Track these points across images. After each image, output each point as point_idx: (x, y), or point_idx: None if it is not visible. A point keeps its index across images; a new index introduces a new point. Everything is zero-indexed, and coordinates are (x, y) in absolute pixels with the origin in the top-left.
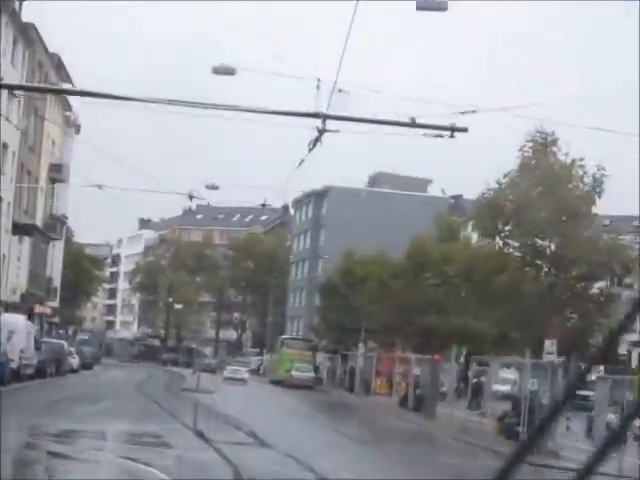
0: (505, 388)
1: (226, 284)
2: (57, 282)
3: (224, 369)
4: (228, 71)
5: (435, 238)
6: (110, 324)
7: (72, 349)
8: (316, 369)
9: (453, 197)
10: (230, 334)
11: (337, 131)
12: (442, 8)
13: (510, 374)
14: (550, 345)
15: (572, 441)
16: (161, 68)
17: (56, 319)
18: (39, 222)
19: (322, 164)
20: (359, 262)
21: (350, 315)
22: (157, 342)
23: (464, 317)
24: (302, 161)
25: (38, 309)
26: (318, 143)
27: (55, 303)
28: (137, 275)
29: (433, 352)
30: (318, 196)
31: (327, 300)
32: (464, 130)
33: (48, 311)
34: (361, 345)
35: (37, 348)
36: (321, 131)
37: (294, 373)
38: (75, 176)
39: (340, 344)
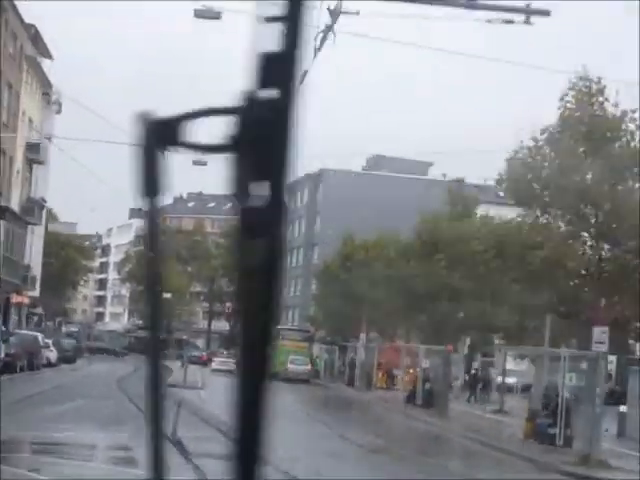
0: (512, 380)
1: (218, 273)
2: (37, 270)
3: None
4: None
5: (448, 215)
6: (100, 316)
7: (49, 341)
8: (313, 361)
9: (456, 181)
10: (223, 325)
11: (357, 13)
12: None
13: (517, 366)
14: (600, 334)
15: (611, 444)
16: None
17: (39, 310)
18: (15, 206)
19: (316, 147)
20: (360, 246)
21: (350, 303)
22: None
23: (483, 302)
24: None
25: (15, 299)
26: (330, 34)
27: (35, 292)
28: (126, 265)
29: (444, 342)
30: (313, 180)
31: (325, 287)
32: (545, 13)
33: (26, 301)
34: (362, 335)
35: (4, 340)
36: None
37: (289, 366)
38: (58, 158)
39: (339, 335)
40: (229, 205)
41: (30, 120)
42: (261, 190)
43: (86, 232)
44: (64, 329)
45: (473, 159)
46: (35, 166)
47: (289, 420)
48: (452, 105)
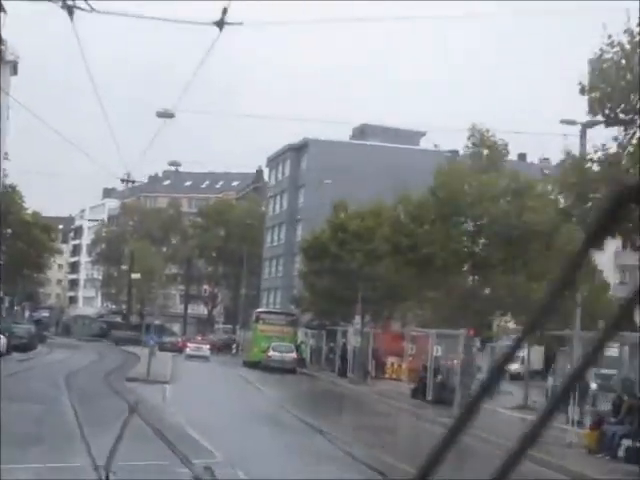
0: (515, 367)
1: (195, 254)
2: None
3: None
4: None
5: (470, 169)
6: (73, 300)
7: None
8: (298, 348)
9: (450, 152)
10: (200, 309)
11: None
12: None
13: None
14: None
15: None
16: None
17: None
18: None
19: (299, 118)
20: (355, 214)
21: (343, 281)
22: (119, 319)
23: (517, 275)
24: None
25: None
26: None
27: None
28: (98, 246)
29: (463, 325)
30: (296, 151)
31: (313, 263)
32: None
33: None
34: (357, 318)
35: None
36: None
37: (272, 354)
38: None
39: (328, 318)
40: (207, 183)
41: None
42: None
43: (55, 214)
44: (32, 314)
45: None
46: None
47: (275, 427)
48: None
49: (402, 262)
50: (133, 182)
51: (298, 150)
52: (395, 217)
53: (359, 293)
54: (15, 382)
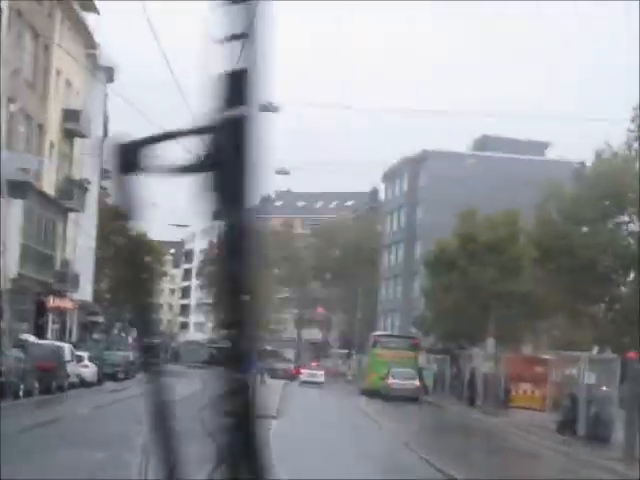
0: None
1: (309, 277)
2: (84, 268)
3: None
4: None
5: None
6: (185, 326)
7: (82, 354)
8: (420, 374)
9: (578, 163)
10: (314, 334)
11: None
12: None
13: None
14: None
15: None
16: None
17: (99, 319)
18: (49, 187)
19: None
20: (486, 224)
21: (472, 298)
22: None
23: None
24: None
25: (53, 303)
26: None
27: (84, 296)
28: (206, 269)
29: (621, 349)
30: (413, 164)
31: (438, 279)
32: None
33: (69, 306)
34: (490, 340)
35: None
36: None
37: (392, 381)
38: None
39: (453, 340)
40: (320, 204)
41: (68, 83)
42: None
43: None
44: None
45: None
46: (77, 140)
47: (402, 476)
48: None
49: (552, 270)
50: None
51: (416, 163)
52: (545, 216)
53: (491, 312)
54: (87, 419)
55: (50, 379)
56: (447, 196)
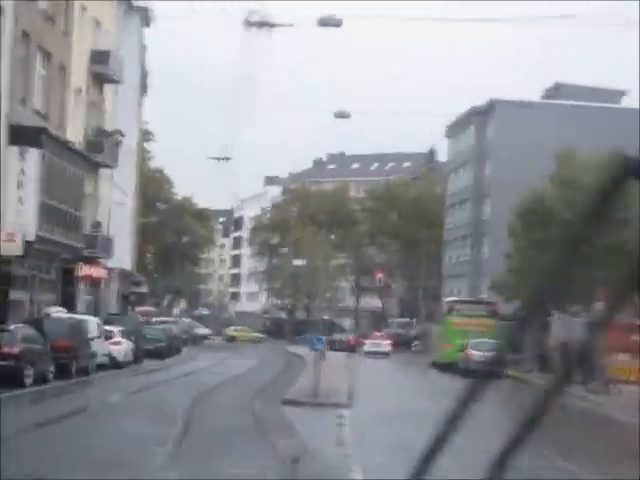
0: None
1: (366, 241)
2: (120, 232)
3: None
4: None
5: None
6: (236, 296)
7: (115, 329)
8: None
9: None
10: (373, 302)
11: None
12: None
13: None
14: None
15: None
16: None
17: (142, 289)
18: (75, 138)
19: (482, 77)
20: (588, 166)
21: (576, 256)
22: (283, 314)
23: None
24: None
25: (83, 270)
26: None
27: (121, 264)
28: (258, 234)
29: None
30: (480, 115)
31: (528, 235)
32: None
33: (103, 274)
34: (599, 305)
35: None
36: None
37: (472, 352)
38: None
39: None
40: (375, 165)
41: (96, 22)
42: None
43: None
44: (191, 312)
45: None
46: (107, 87)
47: None
48: None
49: None
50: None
51: (483, 114)
52: None
53: (600, 272)
54: (110, 414)
55: (69, 361)
56: (517, 149)
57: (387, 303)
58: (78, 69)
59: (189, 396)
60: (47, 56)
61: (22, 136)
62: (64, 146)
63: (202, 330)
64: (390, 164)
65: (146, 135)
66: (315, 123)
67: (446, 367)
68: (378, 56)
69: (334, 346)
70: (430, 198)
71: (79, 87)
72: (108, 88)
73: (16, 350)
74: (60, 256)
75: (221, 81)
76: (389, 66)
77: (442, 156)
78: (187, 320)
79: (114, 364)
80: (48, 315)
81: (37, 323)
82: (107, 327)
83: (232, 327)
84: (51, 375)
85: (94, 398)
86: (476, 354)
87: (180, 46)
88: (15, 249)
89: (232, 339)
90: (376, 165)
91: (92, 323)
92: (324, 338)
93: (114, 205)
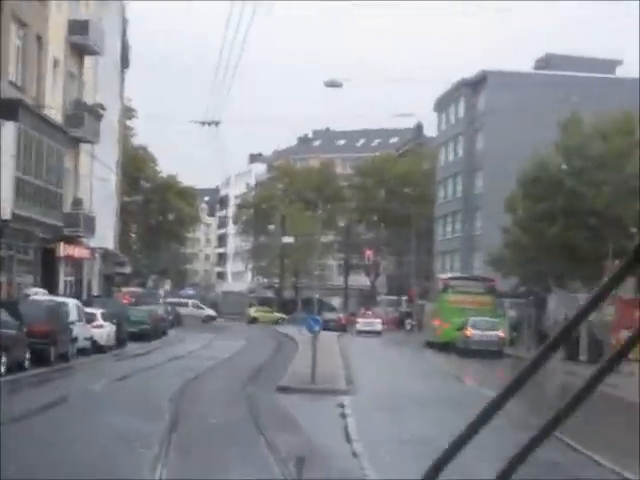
0: None
1: (354, 218)
2: (99, 210)
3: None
4: None
5: None
6: (222, 276)
7: (96, 312)
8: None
9: None
10: (361, 280)
11: None
12: None
13: None
14: None
15: None
16: None
17: (125, 270)
18: (53, 112)
19: (474, 50)
20: (596, 133)
21: (579, 227)
22: (271, 294)
23: None
24: None
25: (64, 250)
26: None
27: (102, 243)
28: (244, 213)
29: None
30: (472, 87)
31: (531, 207)
32: None
33: (85, 254)
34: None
35: None
36: None
37: (471, 332)
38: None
39: (538, 282)
40: (362, 142)
41: None
42: None
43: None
44: (176, 292)
45: None
46: (87, 59)
47: None
48: None
49: None
50: None
51: (474, 86)
52: None
53: (608, 244)
54: (91, 406)
55: (47, 346)
56: (510, 121)
57: (375, 281)
58: (56, 39)
59: (176, 383)
60: (22, 26)
61: None
62: (42, 119)
63: (208, 311)
64: (376, 140)
65: (128, 112)
66: (300, 95)
67: (442, 347)
68: (366, 27)
69: (326, 325)
70: (419, 173)
71: (57, 58)
72: (88, 60)
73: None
74: (39, 235)
75: (204, 54)
76: (376, 38)
77: (429, 131)
78: (191, 301)
79: (96, 348)
80: (26, 297)
81: (12, 306)
82: (88, 310)
83: (253, 308)
84: (27, 362)
85: (74, 387)
86: (476, 333)
87: (161, 17)
88: None
89: (254, 320)
90: (362, 141)
91: (72, 306)
92: (320, 318)
93: (96, 182)
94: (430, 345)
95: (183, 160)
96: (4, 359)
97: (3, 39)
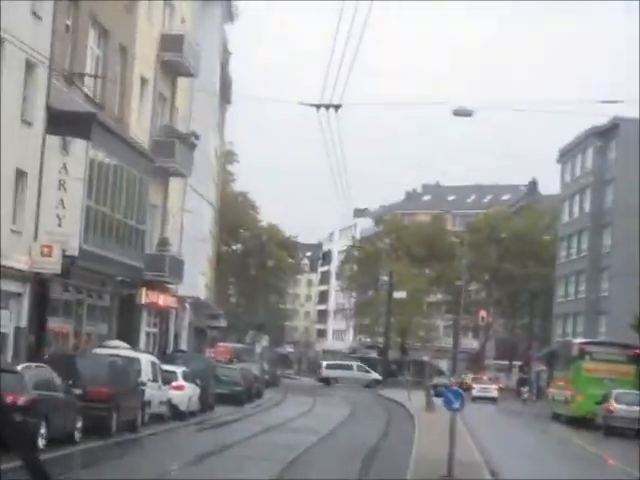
0: None
1: (464, 277)
2: (188, 254)
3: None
4: None
5: None
6: (322, 334)
7: (176, 370)
8: None
9: None
10: (468, 342)
11: None
12: None
13: None
14: None
15: None
16: None
17: (221, 323)
18: (139, 137)
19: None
20: None
21: None
22: (374, 354)
23: None
24: None
25: (148, 296)
26: None
27: (193, 291)
28: (347, 268)
29: None
30: (600, 136)
31: None
32: None
33: (172, 303)
34: None
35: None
36: None
37: (615, 406)
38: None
39: None
40: (472, 197)
41: (169, 5)
42: None
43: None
44: (275, 350)
45: None
46: (181, 80)
47: None
48: None
49: None
50: None
51: (604, 135)
52: None
53: None
54: None
55: (107, 413)
56: None
57: (485, 344)
58: (144, 54)
59: (267, 470)
60: (103, 33)
61: (65, 123)
62: (122, 140)
63: (374, 375)
64: (488, 196)
65: (229, 156)
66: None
67: (573, 421)
68: None
69: (437, 392)
70: (535, 230)
71: (144, 76)
72: (181, 82)
73: (23, 400)
74: (115, 277)
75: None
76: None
77: (543, 188)
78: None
79: (175, 414)
80: (84, 352)
81: (67, 362)
82: (168, 367)
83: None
84: (78, 433)
85: (128, 469)
86: (621, 408)
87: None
88: (51, 266)
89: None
90: (473, 197)
91: (145, 362)
92: (463, 392)
93: (187, 221)
94: (557, 418)
95: (285, 212)
96: (43, 430)
97: (79, 42)
